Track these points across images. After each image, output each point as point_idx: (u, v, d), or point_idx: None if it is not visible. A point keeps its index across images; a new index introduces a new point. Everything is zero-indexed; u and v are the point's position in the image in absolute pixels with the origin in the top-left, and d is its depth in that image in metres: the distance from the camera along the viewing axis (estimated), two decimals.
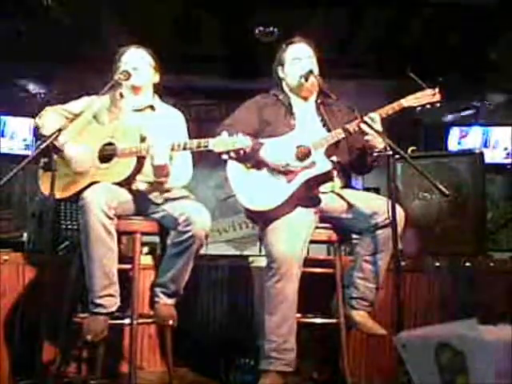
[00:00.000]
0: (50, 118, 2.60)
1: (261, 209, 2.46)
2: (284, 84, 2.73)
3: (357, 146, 2.60)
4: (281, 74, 2.72)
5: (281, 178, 2.48)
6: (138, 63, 2.65)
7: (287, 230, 2.41)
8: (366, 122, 2.36)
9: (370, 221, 2.42)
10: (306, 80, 2.59)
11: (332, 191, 2.58)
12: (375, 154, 2.54)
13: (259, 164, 2.52)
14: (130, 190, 2.56)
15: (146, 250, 3.73)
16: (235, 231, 5.68)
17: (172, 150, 2.44)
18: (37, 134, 2.63)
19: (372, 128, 2.36)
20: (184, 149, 2.45)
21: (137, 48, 2.70)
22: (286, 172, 2.47)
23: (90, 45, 4.58)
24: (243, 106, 2.70)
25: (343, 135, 2.47)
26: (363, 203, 2.49)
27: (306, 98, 2.69)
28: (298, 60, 2.65)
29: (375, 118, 2.40)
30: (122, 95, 2.72)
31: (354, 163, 2.64)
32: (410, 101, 2.46)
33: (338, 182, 2.61)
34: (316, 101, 2.70)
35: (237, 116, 2.66)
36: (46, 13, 4.12)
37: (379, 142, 2.40)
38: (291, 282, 2.35)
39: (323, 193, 2.57)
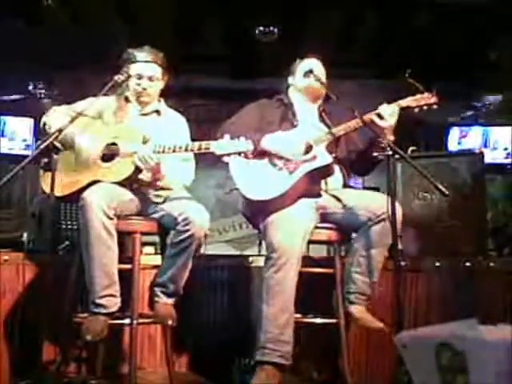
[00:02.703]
0: (57, 118, 2.60)
1: (262, 198, 2.48)
2: (291, 89, 2.80)
3: (356, 149, 2.70)
4: (290, 81, 2.81)
5: (282, 170, 2.52)
6: (147, 83, 2.66)
7: (287, 222, 2.44)
8: (368, 122, 2.45)
9: (366, 215, 2.46)
10: (308, 76, 2.67)
11: (326, 191, 2.62)
12: (375, 154, 2.57)
13: (261, 156, 2.55)
14: (131, 190, 2.56)
15: (151, 250, 3.72)
16: (235, 231, 5.67)
17: (157, 153, 2.45)
18: (43, 132, 2.63)
19: (375, 127, 2.45)
20: (185, 151, 2.46)
21: (148, 60, 2.65)
22: (288, 164, 2.51)
23: (90, 45, 4.58)
24: (247, 107, 2.77)
25: (342, 132, 2.55)
26: (360, 200, 2.54)
27: (311, 101, 2.76)
28: (309, 71, 2.71)
29: (389, 110, 2.48)
30: (127, 99, 2.72)
31: (354, 166, 2.73)
32: (408, 102, 2.54)
33: (337, 181, 2.65)
34: (318, 108, 2.78)
35: (239, 117, 2.70)
36: (47, 13, 4.12)
37: (390, 135, 2.50)
38: (290, 273, 2.36)
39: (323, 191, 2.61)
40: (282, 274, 2.35)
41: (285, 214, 2.46)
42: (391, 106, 2.51)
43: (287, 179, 2.50)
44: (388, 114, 2.48)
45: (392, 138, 2.50)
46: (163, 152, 2.46)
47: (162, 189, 2.61)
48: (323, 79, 2.70)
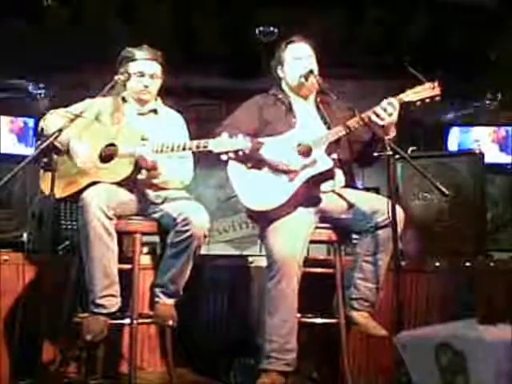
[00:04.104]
0: (54, 121, 2.60)
1: (263, 209, 2.46)
2: (283, 83, 2.72)
3: (360, 140, 2.61)
4: (280, 74, 2.72)
5: (282, 177, 2.49)
6: (149, 81, 2.66)
7: (287, 231, 2.41)
8: (377, 115, 2.39)
9: (369, 221, 2.42)
10: (306, 80, 2.59)
11: (333, 191, 2.58)
12: (376, 154, 2.56)
13: (260, 163, 2.52)
14: (130, 190, 2.56)
15: (144, 250, 3.72)
16: (235, 231, 5.67)
17: (158, 152, 2.45)
18: (40, 135, 2.63)
19: (377, 122, 2.39)
20: (183, 149, 2.46)
21: (148, 58, 2.66)
22: (287, 171, 2.47)
23: (90, 45, 4.58)
24: (243, 106, 2.70)
25: (344, 132, 2.46)
26: (363, 203, 2.48)
27: (305, 98, 2.70)
28: (298, 59, 2.64)
29: (391, 104, 2.40)
30: (124, 99, 2.72)
31: (357, 157, 2.66)
32: (409, 95, 2.43)
33: (339, 181, 2.62)
34: (315, 99, 2.70)
35: (237, 116, 2.66)
36: (47, 13, 4.12)
37: (392, 130, 2.44)
38: (291, 282, 2.35)
39: (324, 192, 2.57)
40: (283, 284, 2.34)
41: (284, 222, 2.43)
42: (390, 101, 2.40)
43: (287, 187, 2.46)
44: (387, 113, 2.39)
45: (394, 133, 2.43)
46: (161, 151, 2.46)
47: (161, 188, 2.61)
48: (315, 68, 2.60)
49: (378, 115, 2.40)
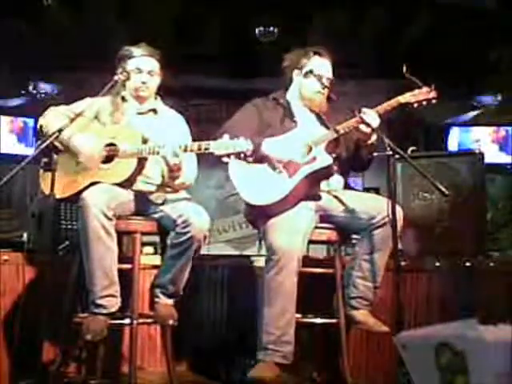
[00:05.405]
0: (54, 118, 2.59)
1: (262, 203, 2.47)
2: (293, 85, 2.72)
3: (352, 143, 2.63)
4: (295, 77, 2.71)
5: (282, 173, 2.51)
6: (147, 77, 2.65)
7: (287, 225, 2.43)
8: (364, 121, 2.40)
9: (368, 220, 2.45)
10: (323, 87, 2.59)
11: (328, 191, 2.60)
12: (375, 154, 2.58)
13: (261, 160, 2.53)
14: (131, 191, 2.56)
15: (150, 250, 3.71)
16: (235, 231, 5.67)
17: (157, 153, 2.43)
18: (40, 133, 2.63)
19: (370, 126, 2.41)
20: (185, 151, 2.45)
21: (146, 54, 2.66)
22: (287, 167, 2.49)
23: (90, 45, 4.58)
24: (243, 109, 2.72)
25: (342, 132, 2.51)
26: (362, 203, 2.51)
27: (312, 111, 2.70)
28: (320, 78, 2.60)
29: (373, 114, 2.45)
30: (124, 99, 2.72)
31: (351, 160, 2.68)
32: (406, 97, 2.52)
33: (337, 181, 2.64)
34: None
35: (237, 118, 2.67)
36: (47, 13, 4.13)
37: (372, 135, 2.48)
38: (291, 274, 2.36)
39: (323, 191, 2.59)
40: (282, 276, 2.35)
41: (284, 216, 2.45)
42: (371, 111, 2.45)
43: (287, 183, 2.48)
44: (370, 119, 2.42)
45: (375, 137, 2.48)
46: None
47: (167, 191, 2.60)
48: (328, 86, 2.61)
49: (367, 124, 2.43)
